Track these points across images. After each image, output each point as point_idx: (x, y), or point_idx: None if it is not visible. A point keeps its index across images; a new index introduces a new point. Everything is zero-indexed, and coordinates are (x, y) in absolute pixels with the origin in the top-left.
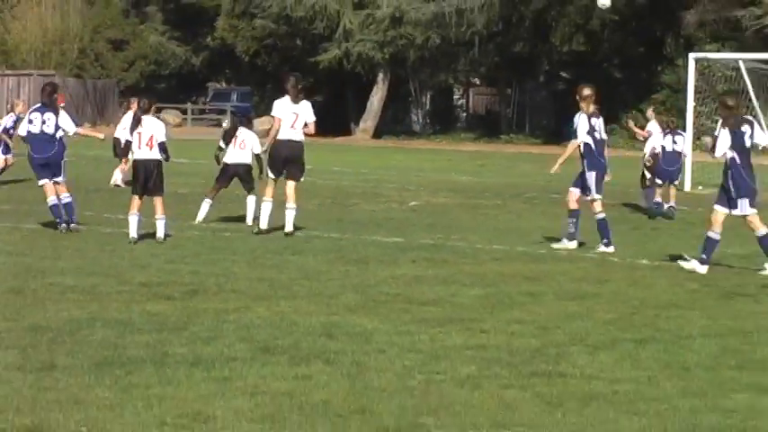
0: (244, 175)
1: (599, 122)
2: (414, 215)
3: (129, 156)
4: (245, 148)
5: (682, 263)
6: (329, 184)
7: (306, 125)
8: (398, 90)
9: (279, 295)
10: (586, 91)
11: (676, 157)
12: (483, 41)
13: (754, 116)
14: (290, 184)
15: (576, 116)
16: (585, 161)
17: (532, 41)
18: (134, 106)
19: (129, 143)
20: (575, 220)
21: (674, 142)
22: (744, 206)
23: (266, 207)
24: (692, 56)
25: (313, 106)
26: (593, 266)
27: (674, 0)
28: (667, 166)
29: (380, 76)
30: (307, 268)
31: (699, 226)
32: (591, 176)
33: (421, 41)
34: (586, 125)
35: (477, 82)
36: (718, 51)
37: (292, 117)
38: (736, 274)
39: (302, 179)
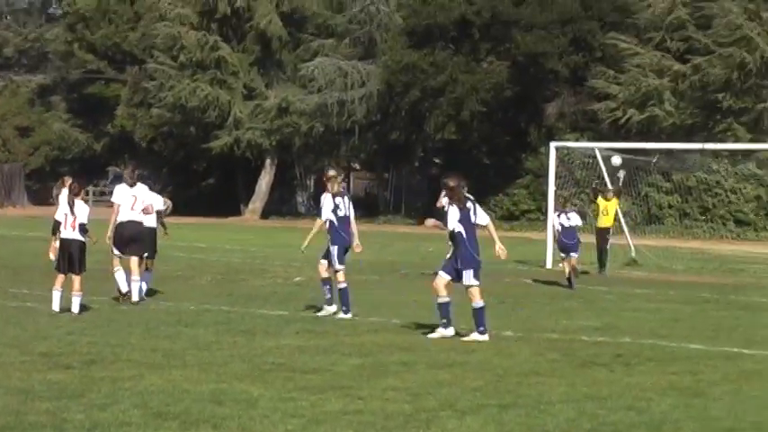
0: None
1: (343, 201)
2: (298, 290)
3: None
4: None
5: (435, 335)
6: (220, 261)
7: (145, 206)
8: (285, 174)
9: (171, 364)
10: (331, 172)
11: (572, 231)
12: (362, 130)
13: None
14: (134, 260)
15: (322, 196)
16: (330, 236)
17: (408, 130)
18: (67, 184)
19: (57, 223)
20: (328, 287)
21: (568, 218)
22: (468, 277)
23: (119, 275)
24: (553, 144)
25: (206, 189)
26: (461, 338)
27: (536, 94)
28: (568, 240)
29: (268, 160)
30: (198, 339)
31: (559, 300)
32: (334, 250)
33: (305, 129)
34: (331, 204)
35: (358, 167)
36: (577, 140)
37: (131, 200)
38: (592, 345)
39: (146, 254)
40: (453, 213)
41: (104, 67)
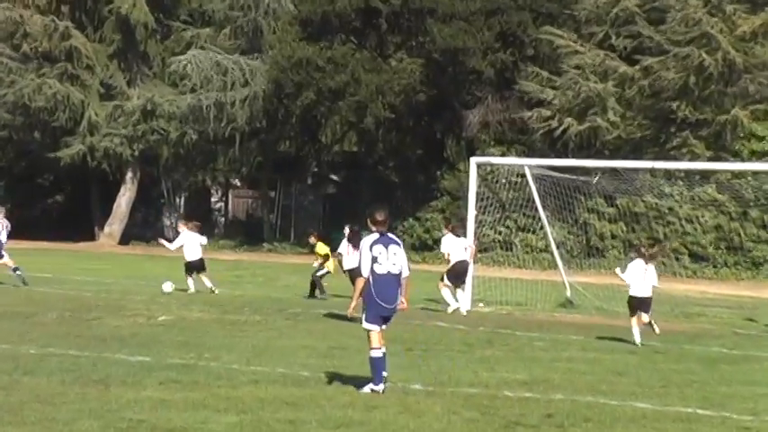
0: None
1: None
2: (163, 331)
3: None
4: None
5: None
6: (68, 295)
7: None
8: (149, 191)
9: (6, 421)
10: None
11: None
12: (245, 139)
13: (541, 227)
14: None
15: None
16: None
17: (300, 140)
18: None
19: None
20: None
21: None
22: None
23: None
24: (473, 160)
25: (53, 207)
26: (360, 392)
27: (455, 99)
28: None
29: (129, 174)
30: (39, 390)
31: (478, 346)
32: None
33: (175, 137)
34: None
35: (238, 183)
36: (503, 155)
37: None
38: (518, 402)
39: None
40: (366, 256)
41: None
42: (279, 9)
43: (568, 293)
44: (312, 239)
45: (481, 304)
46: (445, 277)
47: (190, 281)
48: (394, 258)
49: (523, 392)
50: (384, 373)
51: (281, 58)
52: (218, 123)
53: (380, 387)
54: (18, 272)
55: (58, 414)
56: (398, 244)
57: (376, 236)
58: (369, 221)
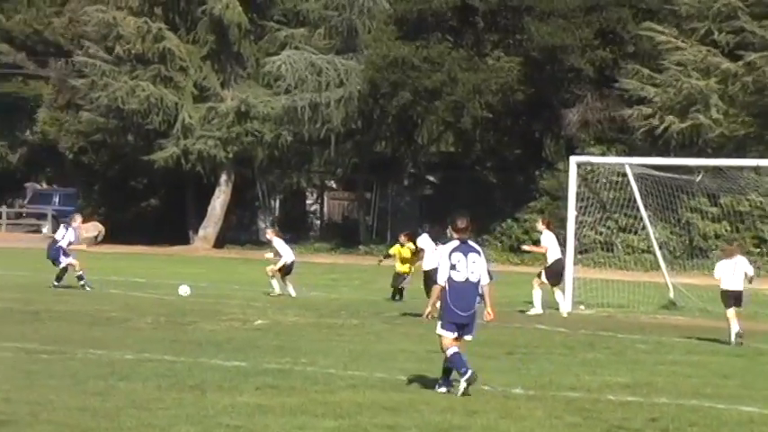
0: None
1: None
2: (259, 335)
3: None
4: None
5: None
6: (163, 300)
7: None
8: (244, 193)
9: (103, 426)
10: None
11: None
12: (340, 140)
13: (642, 227)
14: None
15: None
16: None
17: (396, 140)
18: None
19: None
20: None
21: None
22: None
23: None
24: (573, 159)
25: (147, 211)
26: (461, 395)
27: (554, 97)
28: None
29: (224, 176)
30: (135, 395)
31: (579, 349)
32: None
33: (270, 139)
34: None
35: (334, 185)
36: (603, 155)
37: None
38: (621, 406)
39: None
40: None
41: (22, 59)
42: (374, 8)
43: (671, 295)
44: (402, 239)
45: (582, 306)
46: (543, 275)
47: (275, 282)
48: (473, 266)
49: (626, 396)
50: (466, 365)
51: (377, 58)
52: (312, 124)
53: (469, 373)
54: (82, 281)
55: (154, 419)
56: (478, 252)
57: (456, 243)
58: (450, 228)
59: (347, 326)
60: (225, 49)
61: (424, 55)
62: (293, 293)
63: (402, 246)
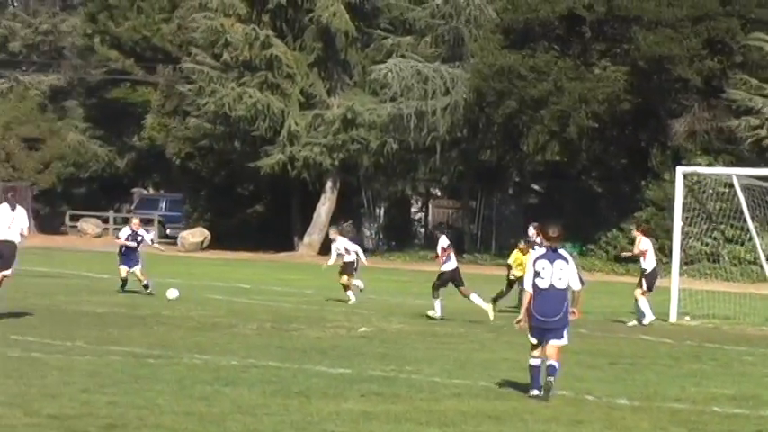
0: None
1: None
2: (363, 343)
3: None
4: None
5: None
6: (269, 306)
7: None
8: (349, 200)
9: (209, 431)
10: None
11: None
12: (445, 148)
13: (749, 238)
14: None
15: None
16: None
17: (501, 149)
18: None
19: None
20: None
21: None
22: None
23: None
24: (680, 169)
25: (253, 217)
26: (565, 405)
27: (660, 107)
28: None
29: (329, 184)
30: (241, 401)
31: (685, 360)
32: None
33: (375, 146)
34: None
35: (438, 193)
36: (710, 165)
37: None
38: (727, 418)
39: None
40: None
41: (131, 66)
42: (481, 17)
43: None
44: (523, 245)
45: (687, 317)
46: (644, 283)
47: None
48: (560, 273)
49: (732, 408)
50: (541, 382)
51: (483, 67)
52: (418, 132)
53: (535, 392)
54: (148, 289)
55: (260, 425)
56: (566, 260)
57: (542, 251)
58: (542, 236)
59: (452, 334)
60: (331, 56)
61: (530, 64)
62: (353, 299)
63: (524, 253)
